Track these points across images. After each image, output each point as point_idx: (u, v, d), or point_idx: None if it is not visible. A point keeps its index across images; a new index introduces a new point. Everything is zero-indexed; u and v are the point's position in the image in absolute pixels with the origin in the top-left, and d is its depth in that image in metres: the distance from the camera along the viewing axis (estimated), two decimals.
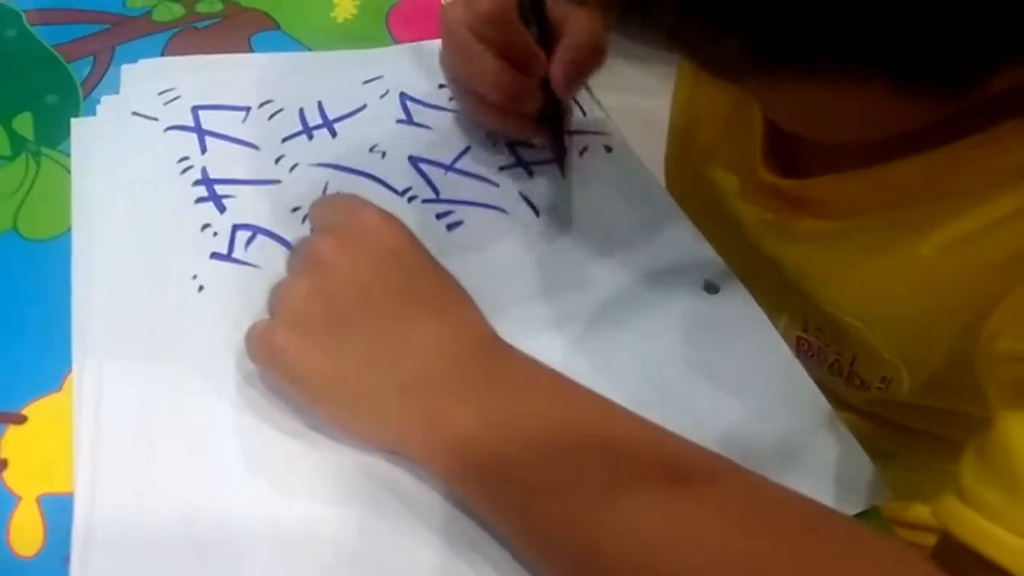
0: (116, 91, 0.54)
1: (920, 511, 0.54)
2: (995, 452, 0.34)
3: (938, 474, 0.35)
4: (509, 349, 0.39)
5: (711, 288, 0.46)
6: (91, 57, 0.57)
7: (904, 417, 0.53)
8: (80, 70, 0.56)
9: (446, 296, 0.41)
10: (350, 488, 0.38)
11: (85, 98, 0.54)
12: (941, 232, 0.40)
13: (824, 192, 0.45)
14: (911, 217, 0.41)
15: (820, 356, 0.50)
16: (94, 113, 0.53)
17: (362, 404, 0.38)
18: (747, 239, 0.49)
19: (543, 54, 0.48)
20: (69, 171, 0.50)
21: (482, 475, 0.36)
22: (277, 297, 0.40)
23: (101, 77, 0.56)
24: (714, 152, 0.52)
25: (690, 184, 0.54)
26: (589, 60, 0.48)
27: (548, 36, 0.48)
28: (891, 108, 0.33)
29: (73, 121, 0.53)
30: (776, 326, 0.45)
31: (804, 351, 0.51)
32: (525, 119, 0.49)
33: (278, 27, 0.60)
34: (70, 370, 0.42)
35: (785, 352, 0.44)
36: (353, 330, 0.39)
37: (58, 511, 0.37)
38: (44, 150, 0.52)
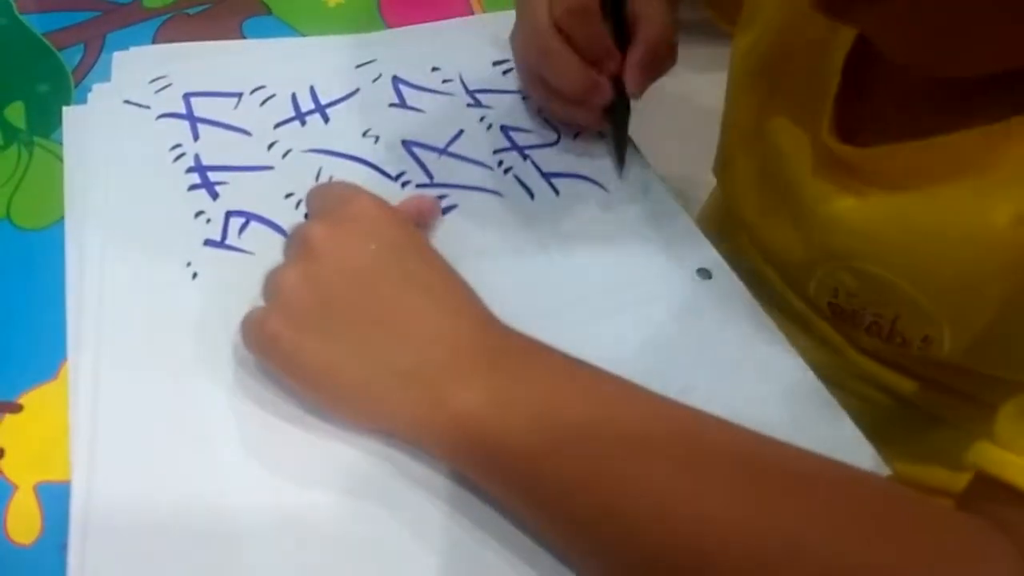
0: (107, 79, 0.54)
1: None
2: None
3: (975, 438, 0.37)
4: (508, 329, 0.40)
5: (704, 274, 0.47)
6: (82, 45, 0.57)
7: (945, 376, 0.53)
8: (71, 58, 0.56)
9: (442, 281, 0.41)
10: (347, 472, 0.38)
11: (76, 86, 0.54)
12: (1016, 203, 0.40)
13: (889, 161, 0.45)
14: (982, 186, 0.41)
15: (856, 319, 0.51)
16: (85, 101, 0.53)
17: (357, 389, 0.38)
18: (801, 202, 0.50)
19: (618, 53, 0.50)
20: (61, 160, 0.50)
21: (491, 451, 0.36)
22: (271, 284, 0.40)
23: (92, 65, 0.55)
24: (778, 125, 0.52)
25: (748, 147, 0.55)
26: (661, 60, 0.50)
27: (624, 34, 0.50)
28: None
29: (65, 110, 0.52)
30: (806, 291, 0.45)
31: (838, 315, 0.51)
32: (593, 111, 0.51)
33: (270, 12, 0.60)
34: (65, 359, 0.42)
35: (776, 335, 0.45)
36: (346, 316, 0.39)
37: (55, 499, 0.38)
38: (36, 139, 0.52)
